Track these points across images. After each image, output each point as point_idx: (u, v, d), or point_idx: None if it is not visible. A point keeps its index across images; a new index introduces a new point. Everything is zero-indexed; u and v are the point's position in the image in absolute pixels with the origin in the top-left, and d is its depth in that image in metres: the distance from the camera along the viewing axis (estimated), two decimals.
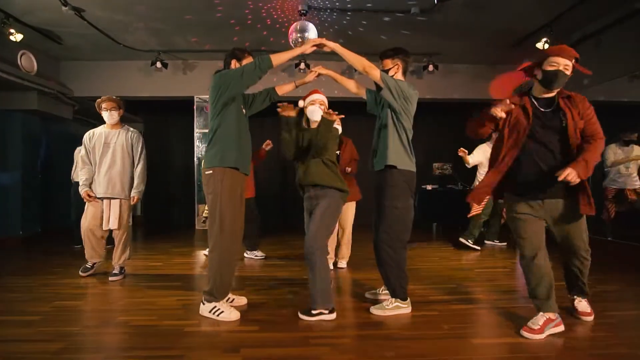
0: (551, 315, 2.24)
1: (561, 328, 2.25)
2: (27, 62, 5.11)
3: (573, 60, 2.21)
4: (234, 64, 2.62)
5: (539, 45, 4.79)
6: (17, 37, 4.39)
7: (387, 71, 2.63)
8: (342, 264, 4.00)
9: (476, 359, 2.01)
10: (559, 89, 2.28)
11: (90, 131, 3.61)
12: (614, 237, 5.23)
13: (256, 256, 4.39)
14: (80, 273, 3.59)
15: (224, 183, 2.49)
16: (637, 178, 5.10)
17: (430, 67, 5.83)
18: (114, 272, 3.55)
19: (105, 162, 3.51)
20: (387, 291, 2.82)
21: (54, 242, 5.54)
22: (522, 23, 4.70)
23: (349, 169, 3.77)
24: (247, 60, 2.61)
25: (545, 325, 2.21)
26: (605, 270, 3.64)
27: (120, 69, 6.06)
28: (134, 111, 7.45)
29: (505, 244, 5.18)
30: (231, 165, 2.51)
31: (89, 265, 3.62)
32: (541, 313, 2.26)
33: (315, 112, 2.63)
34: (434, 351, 2.06)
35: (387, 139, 2.58)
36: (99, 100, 3.57)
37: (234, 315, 2.50)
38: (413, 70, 6.19)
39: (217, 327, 2.41)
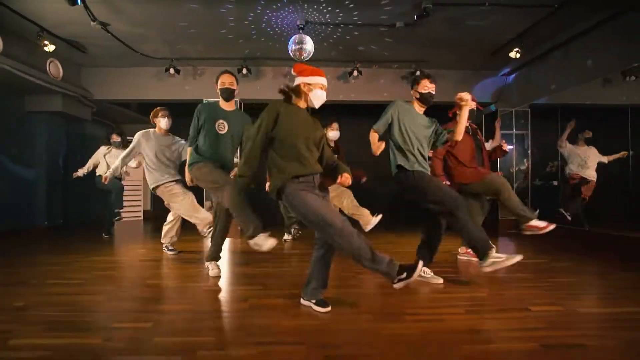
0: None
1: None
2: (55, 69, 5.72)
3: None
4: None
5: (512, 54, 5.35)
6: (50, 47, 4.98)
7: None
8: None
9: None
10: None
11: (145, 132, 4.19)
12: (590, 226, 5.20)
13: None
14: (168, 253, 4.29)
15: None
16: (594, 173, 5.38)
17: (418, 73, 6.38)
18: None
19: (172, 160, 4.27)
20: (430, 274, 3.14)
21: (76, 232, 6.14)
22: (495, 36, 5.26)
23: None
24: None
25: None
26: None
27: (135, 74, 6.65)
28: (147, 112, 8.03)
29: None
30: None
31: (171, 247, 4.33)
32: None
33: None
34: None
35: None
36: (156, 109, 4.25)
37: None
38: (403, 76, 6.77)
39: (229, 286, 2.99)
